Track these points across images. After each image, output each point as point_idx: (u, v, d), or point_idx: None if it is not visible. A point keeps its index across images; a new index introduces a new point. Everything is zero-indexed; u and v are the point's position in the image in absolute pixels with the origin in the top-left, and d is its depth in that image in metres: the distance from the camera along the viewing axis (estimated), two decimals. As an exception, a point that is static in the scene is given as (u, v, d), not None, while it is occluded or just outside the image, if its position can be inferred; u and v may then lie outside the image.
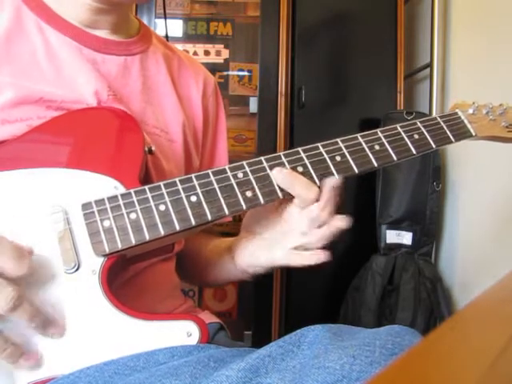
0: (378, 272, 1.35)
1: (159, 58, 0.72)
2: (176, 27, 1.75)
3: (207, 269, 0.72)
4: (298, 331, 0.44)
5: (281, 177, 0.54)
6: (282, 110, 1.51)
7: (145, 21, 1.55)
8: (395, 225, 1.38)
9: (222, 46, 1.76)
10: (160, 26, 1.61)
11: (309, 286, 1.49)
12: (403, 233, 1.38)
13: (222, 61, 1.75)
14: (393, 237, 1.38)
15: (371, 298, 1.33)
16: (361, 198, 1.50)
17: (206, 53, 1.75)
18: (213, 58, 1.74)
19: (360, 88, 1.53)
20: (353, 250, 1.49)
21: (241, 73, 1.75)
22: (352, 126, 1.47)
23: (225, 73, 1.74)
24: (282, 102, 1.51)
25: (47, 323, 0.46)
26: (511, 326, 0.27)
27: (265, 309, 1.49)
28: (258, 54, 1.55)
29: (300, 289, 1.48)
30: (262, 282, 1.48)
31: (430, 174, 1.37)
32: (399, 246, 1.38)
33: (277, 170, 0.54)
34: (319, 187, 0.55)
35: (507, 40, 1.19)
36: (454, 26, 1.47)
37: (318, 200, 0.55)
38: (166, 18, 1.31)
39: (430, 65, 1.49)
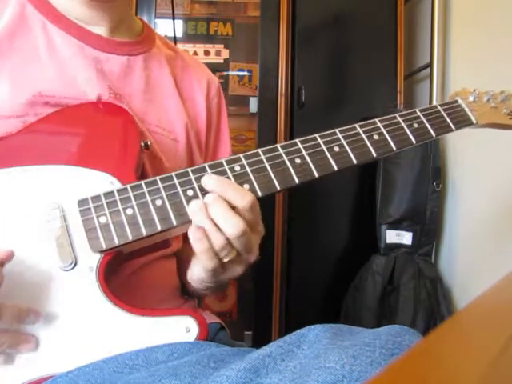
0: (378, 272, 1.35)
1: (162, 59, 0.72)
2: (176, 27, 1.75)
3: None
4: (298, 331, 0.44)
5: (211, 182, 0.51)
6: (282, 110, 1.50)
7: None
8: (395, 225, 1.38)
9: (222, 45, 1.76)
10: (160, 26, 1.61)
11: (309, 286, 1.49)
12: (403, 233, 1.38)
13: (221, 61, 1.75)
14: (393, 237, 1.38)
15: (371, 298, 1.33)
16: (361, 198, 1.50)
17: (206, 53, 1.74)
18: (213, 58, 1.74)
19: (360, 88, 1.53)
20: (353, 250, 1.49)
21: (241, 73, 1.75)
22: (352, 125, 1.46)
23: (225, 73, 1.74)
24: (282, 102, 1.50)
25: (29, 317, 0.46)
26: (511, 326, 0.27)
27: (265, 309, 1.49)
28: (258, 54, 1.55)
29: (300, 289, 1.48)
30: (262, 282, 1.48)
31: (430, 174, 1.37)
32: (399, 246, 1.38)
33: (206, 176, 0.52)
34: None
35: (507, 40, 1.19)
36: (453, 26, 1.47)
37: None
38: (174, 18, 1.31)
39: (430, 65, 1.49)
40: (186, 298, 0.72)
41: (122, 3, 0.68)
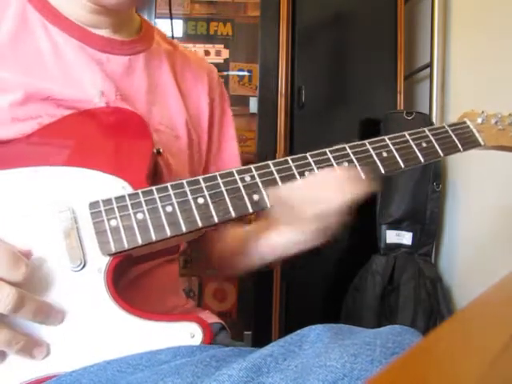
0: (378, 272, 1.35)
1: (162, 56, 0.72)
2: (176, 27, 1.75)
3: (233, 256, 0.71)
4: (300, 331, 0.44)
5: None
6: (282, 110, 1.51)
7: (145, 21, 1.55)
8: (395, 225, 1.38)
9: (222, 45, 1.76)
10: (160, 27, 1.61)
11: (309, 286, 1.49)
12: (403, 233, 1.38)
13: (222, 61, 1.75)
14: (393, 237, 1.38)
15: (371, 298, 1.33)
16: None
17: (206, 53, 1.74)
18: (213, 58, 1.74)
19: (360, 88, 1.53)
20: (353, 249, 1.49)
21: (241, 73, 1.75)
22: (352, 126, 1.46)
23: (225, 73, 1.74)
24: (281, 102, 1.51)
25: (50, 315, 0.46)
26: (511, 325, 0.27)
27: (265, 309, 1.49)
28: (258, 54, 1.55)
29: (300, 289, 1.48)
30: (262, 282, 1.48)
31: (431, 174, 1.37)
32: (399, 245, 1.38)
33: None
34: None
35: (507, 40, 1.19)
36: (453, 26, 1.47)
37: None
38: (171, 18, 1.30)
39: (430, 65, 1.49)
40: (187, 297, 0.72)
41: (127, 9, 0.67)
